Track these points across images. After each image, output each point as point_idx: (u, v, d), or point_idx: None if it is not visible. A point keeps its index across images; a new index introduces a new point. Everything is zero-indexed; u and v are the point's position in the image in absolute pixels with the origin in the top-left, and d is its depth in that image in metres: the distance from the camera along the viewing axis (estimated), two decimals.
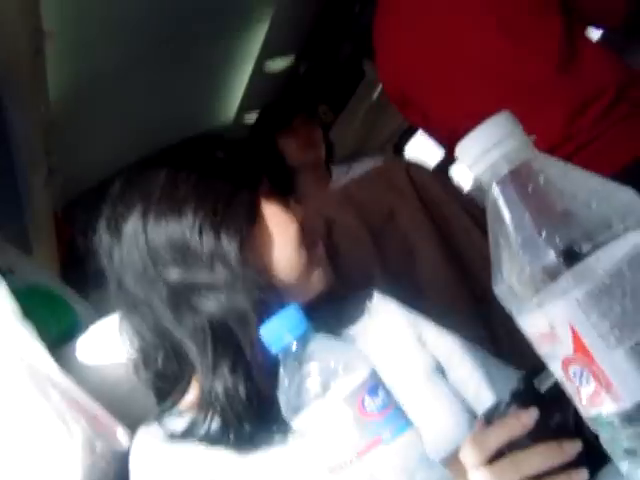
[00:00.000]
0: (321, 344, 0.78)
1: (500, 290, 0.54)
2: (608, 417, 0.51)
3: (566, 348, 0.50)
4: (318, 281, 1.10)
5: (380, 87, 3.77)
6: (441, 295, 1.66)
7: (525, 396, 0.88)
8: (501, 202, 0.53)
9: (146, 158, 1.14)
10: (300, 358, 0.76)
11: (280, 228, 1.08)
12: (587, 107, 1.70)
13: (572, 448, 0.80)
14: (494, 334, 1.56)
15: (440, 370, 1.15)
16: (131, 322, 1.09)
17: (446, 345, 1.18)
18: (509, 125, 0.54)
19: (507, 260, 0.52)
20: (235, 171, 1.08)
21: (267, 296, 1.02)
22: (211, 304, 1.03)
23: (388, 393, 0.75)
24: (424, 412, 0.99)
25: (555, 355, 0.52)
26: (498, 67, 1.78)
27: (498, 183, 0.54)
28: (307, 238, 1.10)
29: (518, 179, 0.53)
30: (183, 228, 1.03)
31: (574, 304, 0.49)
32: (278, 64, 3.85)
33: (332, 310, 1.14)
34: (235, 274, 1.02)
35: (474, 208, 1.85)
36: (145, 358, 1.09)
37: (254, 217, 1.07)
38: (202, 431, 1.04)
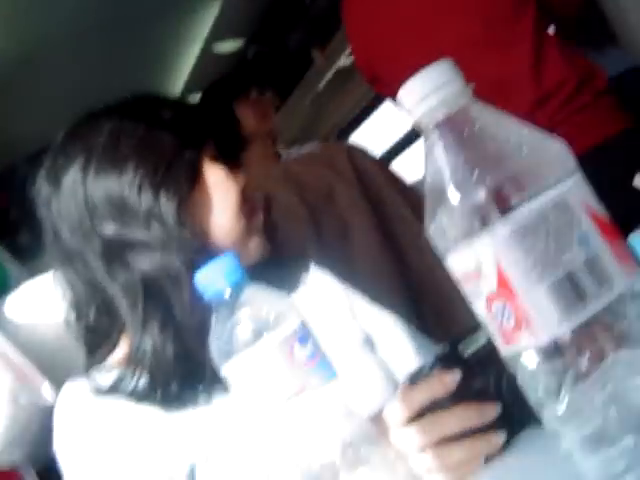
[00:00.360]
0: (254, 293, 0.79)
1: (432, 230, 0.56)
2: (526, 353, 0.54)
3: (490, 284, 0.53)
4: (254, 249, 1.11)
5: (327, 76, 3.80)
6: (372, 274, 1.69)
7: (449, 360, 0.90)
8: (437, 145, 0.55)
9: (91, 112, 1.13)
10: (233, 306, 0.77)
11: (221, 193, 1.08)
12: (549, 99, 1.76)
13: (491, 411, 0.83)
14: (421, 312, 1.60)
15: (369, 342, 1.18)
16: (65, 275, 1.09)
17: (375, 319, 1.21)
18: (449, 72, 0.56)
19: (440, 201, 0.54)
20: (180, 131, 1.08)
21: (201, 259, 1.02)
22: (144, 262, 1.03)
23: (317, 343, 0.77)
24: (353, 375, 1.01)
25: (480, 293, 0.54)
26: (469, 52, 1.79)
27: (435, 126, 0.56)
28: (247, 206, 1.10)
29: (455, 124, 0.55)
30: (122, 184, 1.02)
31: (500, 240, 0.52)
32: (227, 46, 3.85)
33: (267, 279, 1.15)
34: (171, 234, 1.02)
35: (413, 197, 1.88)
36: (77, 311, 1.09)
37: (195, 179, 1.07)
38: (129, 387, 1.04)
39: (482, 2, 1.84)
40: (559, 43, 1.86)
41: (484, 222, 0.52)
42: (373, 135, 4.03)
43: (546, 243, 0.51)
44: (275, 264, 1.18)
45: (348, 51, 4.03)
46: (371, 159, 1.96)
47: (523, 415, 0.65)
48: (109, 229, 1.03)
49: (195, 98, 4.03)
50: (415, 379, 0.92)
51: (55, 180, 1.07)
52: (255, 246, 1.11)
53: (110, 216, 1.03)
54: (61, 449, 1.06)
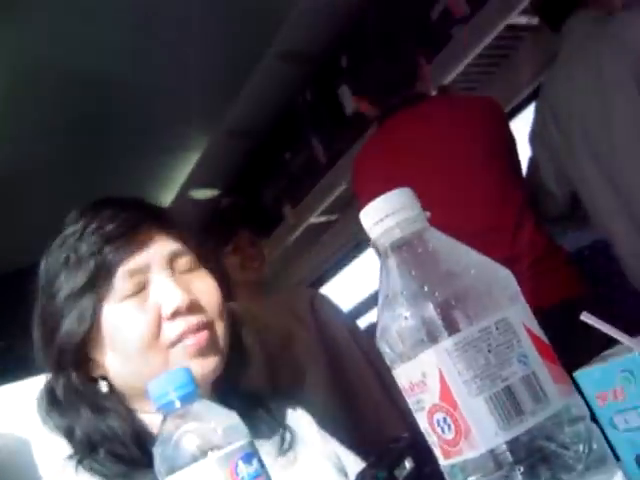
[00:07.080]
0: (204, 408, 0.79)
1: (382, 343, 0.59)
2: (464, 463, 0.55)
3: (433, 395, 0.55)
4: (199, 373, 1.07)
5: (297, 233, 3.89)
6: (324, 423, 1.67)
7: None
8: (392, 262, 0.59)
9: None
10: (182, 418, 0.77)
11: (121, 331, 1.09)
12: (520, 257, 1.98)
13: None
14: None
15: None
16: None
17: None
18: (408, 199, 0.60)
19: (391, 314, 0.57)
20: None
21: None
22: None
23: (263, 465, 0.77)
24: None
25: (423, 404, 0.56)
26: (460, 205, 2.03)
27: (391, 246, 0.59)
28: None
29: (409, 245, 0.59)
30: None
31: (444, 352, 0.54)
32: (201, 194, 3.95)
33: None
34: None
35: (372, 351, 1.90)
36: None
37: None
38: None
39: (483, 174, 2.12)
40: (534, 217, 2.16)
41: (431, 336, 0.55)
42: (341, 291, 4.11)
43: (487, 358, 0.54)
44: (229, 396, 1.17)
45: (319, 210, 4.16)
46: (334, 309, 1.98)
47: None
48: None
49: None
50: None
51: None
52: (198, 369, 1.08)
53: None
54: None
